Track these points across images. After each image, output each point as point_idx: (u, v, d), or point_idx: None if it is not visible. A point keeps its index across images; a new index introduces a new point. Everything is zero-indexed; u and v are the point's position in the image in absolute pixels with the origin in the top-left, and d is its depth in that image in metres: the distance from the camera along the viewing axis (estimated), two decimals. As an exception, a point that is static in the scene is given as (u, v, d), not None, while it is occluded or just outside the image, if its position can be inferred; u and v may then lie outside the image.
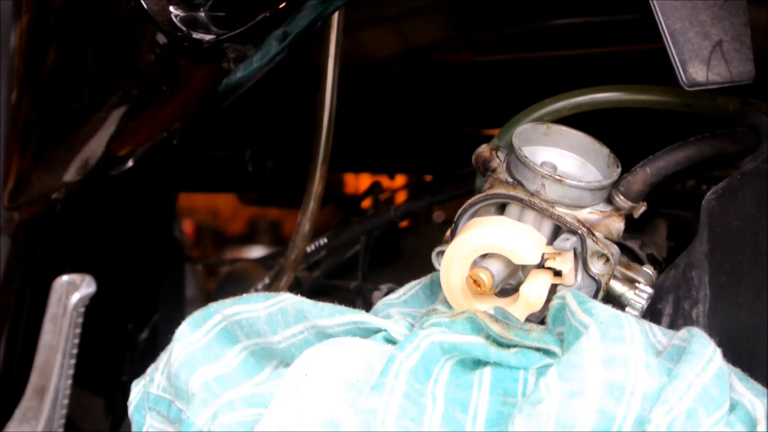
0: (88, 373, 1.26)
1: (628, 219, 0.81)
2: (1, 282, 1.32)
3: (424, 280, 0.89)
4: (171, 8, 0.88)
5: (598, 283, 0.79)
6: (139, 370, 0.91)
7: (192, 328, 0.85)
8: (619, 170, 0.80)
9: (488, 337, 0.72)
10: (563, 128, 0.83)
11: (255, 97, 1.23)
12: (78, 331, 1.16)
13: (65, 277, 1.15)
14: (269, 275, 1.29)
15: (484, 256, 0.79)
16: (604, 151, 0.81)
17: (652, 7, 0.70)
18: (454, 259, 0.79)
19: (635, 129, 1.06)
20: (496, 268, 0.77)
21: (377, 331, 0.78)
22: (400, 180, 1.84)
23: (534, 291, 0.77)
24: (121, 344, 1.39)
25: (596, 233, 0.79)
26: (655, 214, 0.98)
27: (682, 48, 0.71)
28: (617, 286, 0.80)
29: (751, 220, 0.77)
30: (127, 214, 1.35)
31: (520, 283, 0.79)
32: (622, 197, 0.80)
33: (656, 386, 0.64)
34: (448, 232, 0.85)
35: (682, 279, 0.81)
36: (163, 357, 0.86)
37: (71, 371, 1.16)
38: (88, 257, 1.30)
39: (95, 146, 1.05)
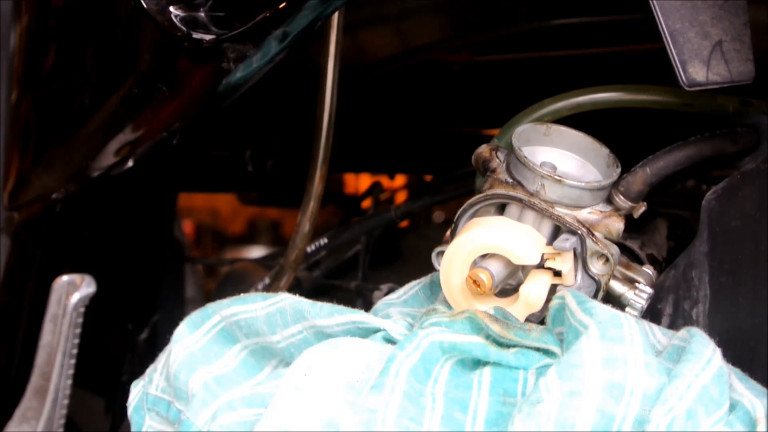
0: (88, 373, 1.26)
1: (628, 219, 0.81)
2: (1, 282, 1.32)
3: (424, 280, 0.89)
4: (171, 8, 0.88)
5: (597, 283, 0.79)
6: (139, 370, 0.91)
7: (190, 328, 0.85)
8: (618, 170, 0.80)
9: (488, 337, 0.72)
10: (563, 128, 0.83)
11: (255, 97, 1.23)
12: (78, 331, 1.16)
13: (65, 277, 1.15)
14: (269, 275, 1.29)
15: (484, 256, 0.79)
16: (604, 151, 0.81)
17: (652, 7, 0.70)
18: (454, 260, 0.79)
19: (635, 129, 1.06)
20: (496, 268, 0.77)
21: (376, 330, 0.78)
22: (400, 180, 1.84)
23: (534, 291, 0.77)
24: (121, 344, 1.39)
25: (596, 233, 0.79)
26: (655, 214, 0.98)
27: (682, 48, 0.71)
28: (617, 286, 0.80)
29: (751, 220, 0.77)
30: (127, 214, 1.35)
31: (520, 283, 0.79)
32: (621, 197, 0.80)
33: (656, 386, 0.64)
34: (448, 232, 0.85)
35: (682, 279, 0.81)
36: (162, 358, 0.86)
37: (71, 371, 1.16)
38: (88, 257, 1.30)
39: (95, 146, 1.05)
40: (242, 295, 0.84)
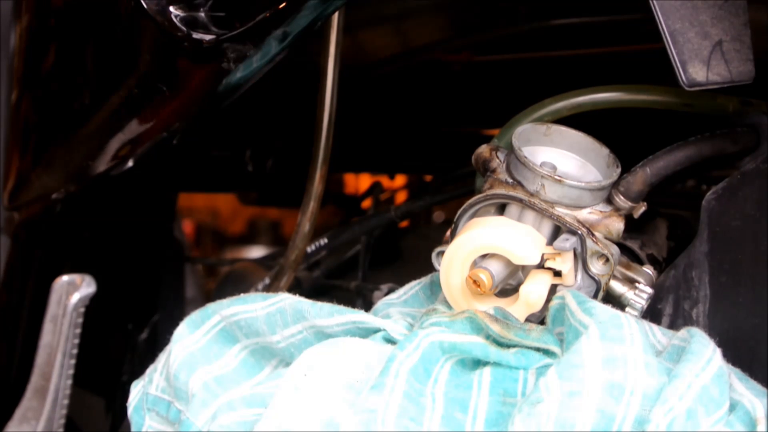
0: (88, 373, 1.26)
1: (628, 219, 0.81)
2: (1, 282, 1.32)
3: (424, 280, 0.89)
4: (171, 8, 0.88)
5: (597, 283, 0.79)
6: (139, 370, 0.91)
7: (190, 329, 0.85)
8: (618, 170, 0.80)
9: (488, 337, 0.72)
10: (563, 128, 0.83)
11: (255, 97, 1.23)
12: (78, 331, 1.16)
13: (65, 277, 1.15)
14: (269, 275, 1.29)
15: (484, 256, 0.79)
16: (604, 151, 0.81)
17: (652, 7, 0.70)
18: (454, 260, 0.79)
19: (635, 129, 1.06)
20: (496, 268, 0.77)
21: (376, 330, 0.78)
22: (400, 180, 1.84)
23: (534, 291, 0.77)
24: (121, 344, 1.39)
25: (596, 233, 0.79)
26: (655, 214, 0.98)
27: (682, 48, 0.71)
28: (617, 287, 0.80)
29: (751, 220, 0.77)
30: (127, 214, 1.35)
31: (520, 283, 0.79)
32: (622, 197, 0.80)
33: (656, 386, 0.64)
34: (448, 233, 0.85)
35: (682, 279, 0.80)
36: (162, 358, 0.86)
37: (71, 371, 1.16)
38: (88, 257, 1.30)
39: (95, 146, 1.05)
40: (242, 295, 0.84)
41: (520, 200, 0.80)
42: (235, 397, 0.77)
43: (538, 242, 0.78)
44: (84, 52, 1.05)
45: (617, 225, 0.80)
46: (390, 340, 0.78)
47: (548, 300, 0.76)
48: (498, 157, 0.84)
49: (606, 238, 0.80)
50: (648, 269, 0.82)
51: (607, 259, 0.78)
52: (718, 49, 0.72)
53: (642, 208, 0.81)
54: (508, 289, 0.82)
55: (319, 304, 0.79)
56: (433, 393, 0.69)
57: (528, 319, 0.78)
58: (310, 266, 1.35)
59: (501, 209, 0.82)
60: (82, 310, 1.16)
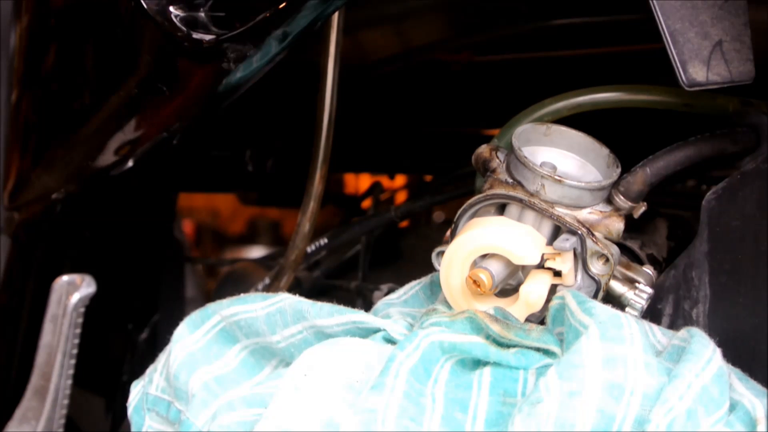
0: (88, 373, 1.26)
1: (628, 219, 0.81)
2: (1, 282, 1.32)
3: (424, 280, 0.89)
4: (171, 8, 0.89)
5: (597, 283, 0.79)
6: (139, 371, 0.91)
7: (190, 329, 0.85)
8: (618, 170, 0.80)
9: (488, 337, 0.72)
10: (563, 128, 0.83)
11: (255, 97, 1.23)
12: (78, 331, 1.16)
13: (65, 277, 1.15)
14: (269, 275, 1.29)
15: (484, 256, 0.79)
16: (604, 151, 0.81)
17: (652, 7, 0.70)
18: (454, 260, 0.79)
19: (635, 129, 1.06)
20: (496, 268, 0.77)
21: (376, 330, 0.78)
22: (400, 180, 1.84)
23: (534, 291, 0.77)
24: (121, 344, 1.39)
25: (596, 233, 0.79)
26: (655, 214, 0.98)
27: (682, 48, 0.71)
28: (617, 287, 0.80)
29: (751, 220, 0.77)
30: (127, 214, 1.35)
31: (520, 283, 0.79)
32: (621, 197, 0.80)
33: (656, 386, 0.64)
34: (448, 233, 0.85)
35: (682, 279, 0.80)
36: (162, 358, 0.86)
37: (71, 371, 1.16)
38: (88, 257, 1.30)
39: (95, 146, 1.05)
40: (242, 295, 0.84)
41: (520, 200, 0.80)
42: (235, 397, 0.77)
43: (538, 242, 0.78)
44: (84, 52, 1.06)
45: (617, 225, 0.80)
46: (390, 340, 0.78)
47: (548, 300, 0.76)
48: (498, 157, 0.84)
49: (606, 238, 0.80)
50: (648, 269, 0.82)
51: (607, 259, 0.78)
52: (718, 49, 0.72)
53: (642, 208, 0.81)
54: (508, 289, 0.82)
55: (319, 304, 0.79)
56: (433, 393, 0.69)
57: (528, 319, 0.79)
58: (310, 266, 1.35)
59: (501, 209, 0.82)
60: (82, 310, 1.16)
